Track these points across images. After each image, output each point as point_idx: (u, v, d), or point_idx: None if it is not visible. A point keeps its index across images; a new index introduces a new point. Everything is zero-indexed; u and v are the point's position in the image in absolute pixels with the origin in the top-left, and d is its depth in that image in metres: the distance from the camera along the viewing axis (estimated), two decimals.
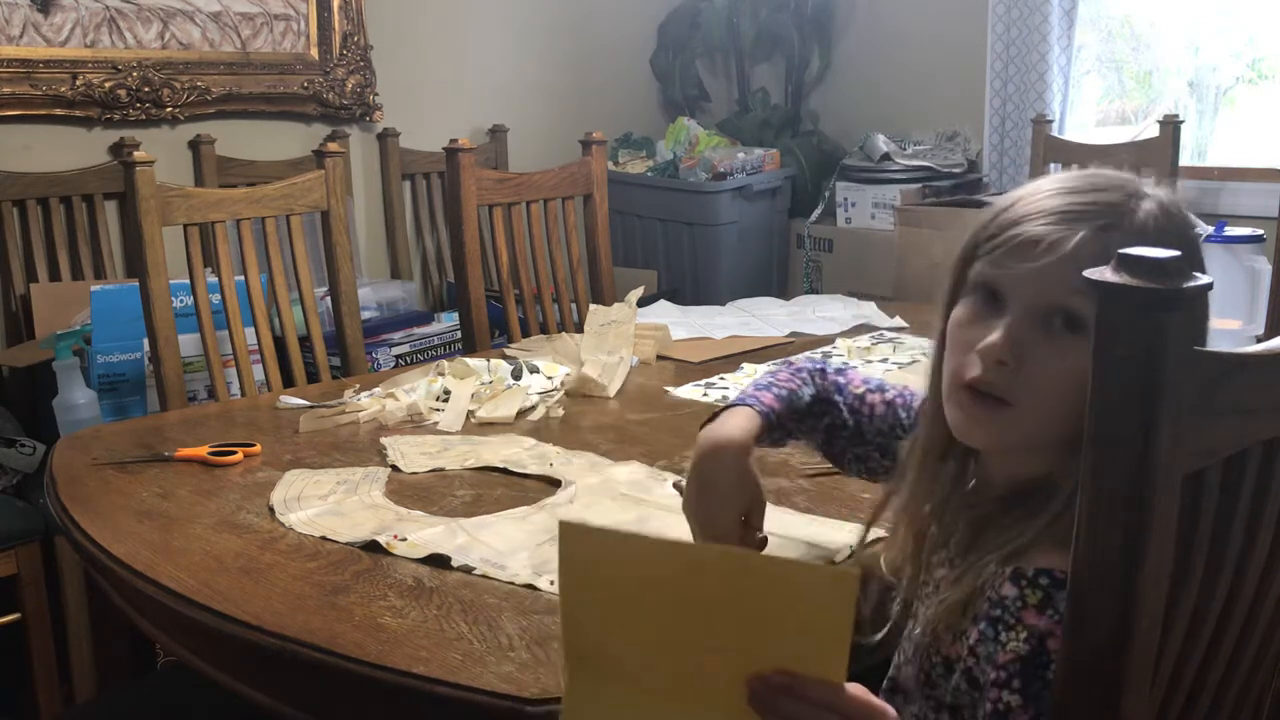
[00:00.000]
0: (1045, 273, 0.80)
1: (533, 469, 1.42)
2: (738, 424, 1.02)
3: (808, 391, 1.10)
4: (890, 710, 0.72)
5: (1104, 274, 0.63)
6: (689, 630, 0.71)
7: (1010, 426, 0.83)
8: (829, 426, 1.12)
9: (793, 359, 1.16)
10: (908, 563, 0.94)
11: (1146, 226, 0.80)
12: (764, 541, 1.03)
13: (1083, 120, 3.36)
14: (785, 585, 0.68)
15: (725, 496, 1.00)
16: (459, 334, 2.56)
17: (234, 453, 1.47)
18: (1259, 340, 1.40)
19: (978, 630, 0.79)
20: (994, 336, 0.81)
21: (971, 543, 0.85)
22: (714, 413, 1.07)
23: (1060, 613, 0.74)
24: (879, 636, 0.93)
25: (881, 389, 1.11)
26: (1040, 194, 0.83)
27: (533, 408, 1.69)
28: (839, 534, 1.18)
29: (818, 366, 1.13)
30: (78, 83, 2.65)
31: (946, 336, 0.88)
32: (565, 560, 0.72)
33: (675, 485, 1.12)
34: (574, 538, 0.71)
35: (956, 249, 0.88)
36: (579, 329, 2.20)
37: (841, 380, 1.13)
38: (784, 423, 1.07)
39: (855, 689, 0.72)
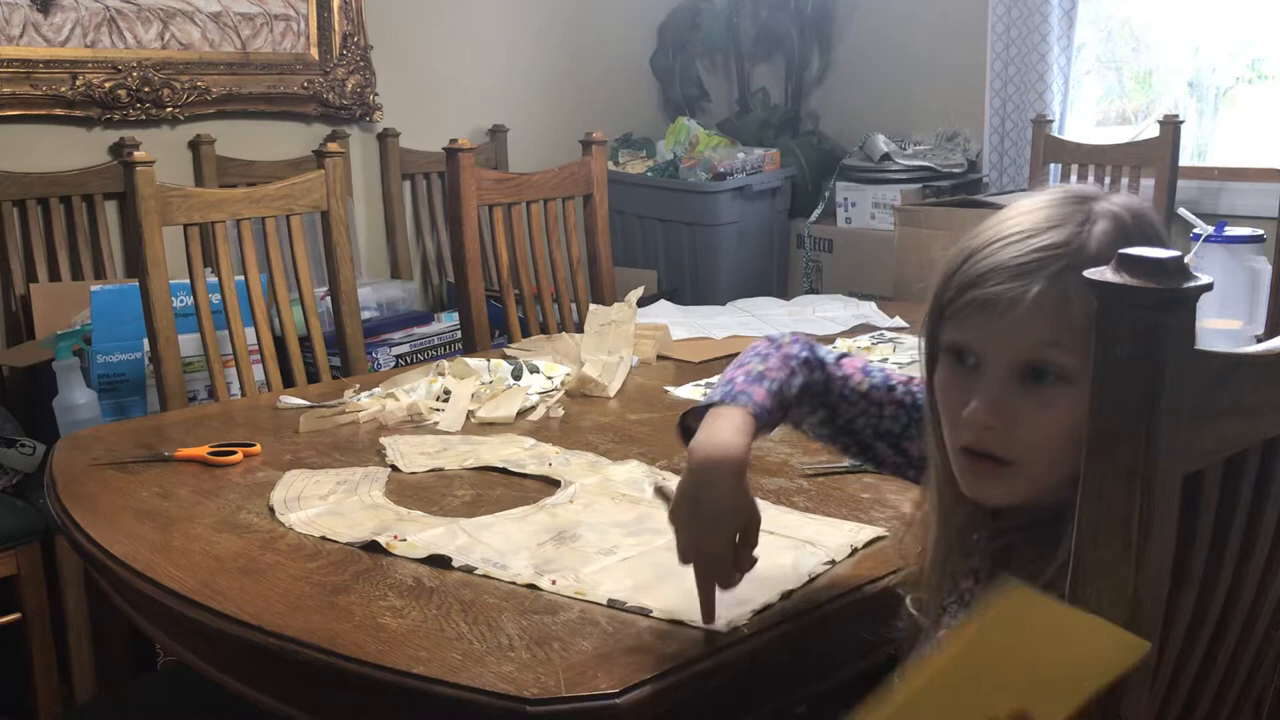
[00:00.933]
0: (1011, 332, 0.80)
1: (532, 469, 1.42)
2: (732, 433, 0.97)
3: (796, 381, 1.05)
4: None
5: (1104, 274, 0.63)
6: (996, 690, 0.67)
7: (1016, 480, 0.83)
8: (825, 420, 1.08)
9: (778, 338, 1.08)
10: (930, 579, 0.93)
11: (1102, 253, 0.79)
12: (754, 561, 0.98)
13: (1083, 120, 3.36)
14: (1071, 632, 0.66)
15: (721, 516, 0.95)
16: (459, 334, 2.56)
17: (234, 453, 1.47)
18: (1259, 340, 1.40)
19: None
20: (976, 403, 0.82)
21: (997, 572, 0.86)
22: (699, 406, 1.02)
23: None
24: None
25: (887, 385, 1.07)
26: (994, 244, 0.83)
27: (533, 408, 1.69)
28: (839, 534, 1.18)
29: (804, 356, 1.07)
30: (78, 83, 2.64)
31: (936, 399, 0.88)
32: (994, 618, 0.65)
33: (657, 490, 1.06)
34: (1020, 604, 0.65)
35: (950, 255, 0.86)
36: (579, 329, 2.20)
37: (838, 373, 1.07)
38: (773, 417, 1.03)
39: None
